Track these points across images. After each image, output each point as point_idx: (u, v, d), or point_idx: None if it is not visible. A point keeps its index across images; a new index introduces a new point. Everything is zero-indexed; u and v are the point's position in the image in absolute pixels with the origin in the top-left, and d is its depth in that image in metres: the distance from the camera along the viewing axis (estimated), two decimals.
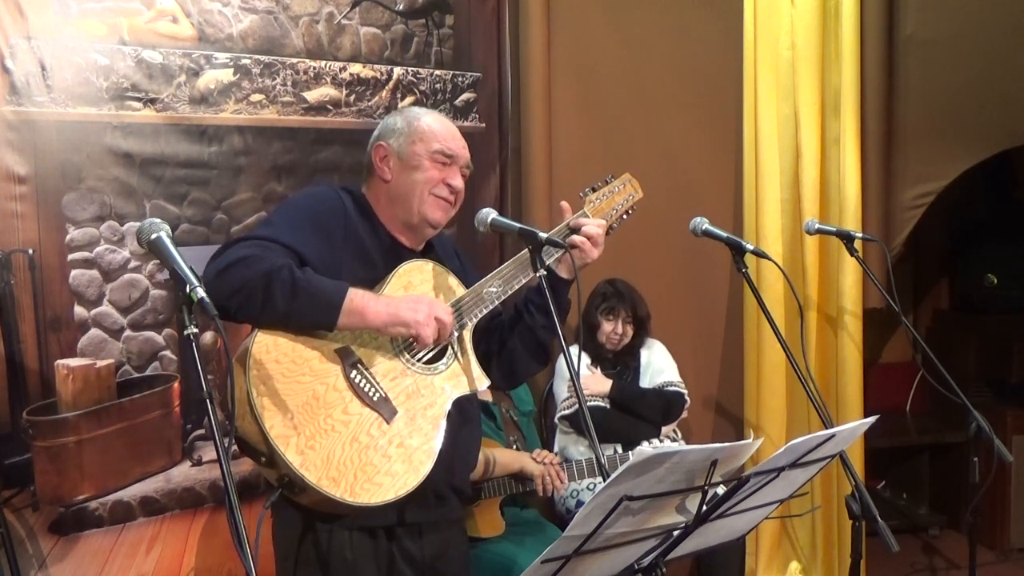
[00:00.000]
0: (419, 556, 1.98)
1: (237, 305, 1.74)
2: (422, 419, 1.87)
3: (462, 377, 1.95)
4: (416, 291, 1.94)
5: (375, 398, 1.83)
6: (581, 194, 2.13)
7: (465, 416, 1.99)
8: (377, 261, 1.94)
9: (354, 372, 1.82)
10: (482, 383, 1.98)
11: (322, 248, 1.86)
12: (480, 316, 1.97)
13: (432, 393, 1.90)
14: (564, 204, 2.09)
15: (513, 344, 2.06)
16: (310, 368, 1.79)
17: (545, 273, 1.87)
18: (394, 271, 1.93)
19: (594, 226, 2.02)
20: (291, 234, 1.83)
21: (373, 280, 1.92)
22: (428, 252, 2.06)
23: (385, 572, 1.94)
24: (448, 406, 1.91)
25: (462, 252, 2.19)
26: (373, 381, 1.84)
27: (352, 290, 1.79)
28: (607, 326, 3.21)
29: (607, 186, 2.17)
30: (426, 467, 1.84)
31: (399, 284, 1.92)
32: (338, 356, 1.82)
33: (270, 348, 1.76)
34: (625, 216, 2.20)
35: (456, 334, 1.95)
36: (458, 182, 1.98)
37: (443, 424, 1.89)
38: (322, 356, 1.81)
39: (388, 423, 1.83)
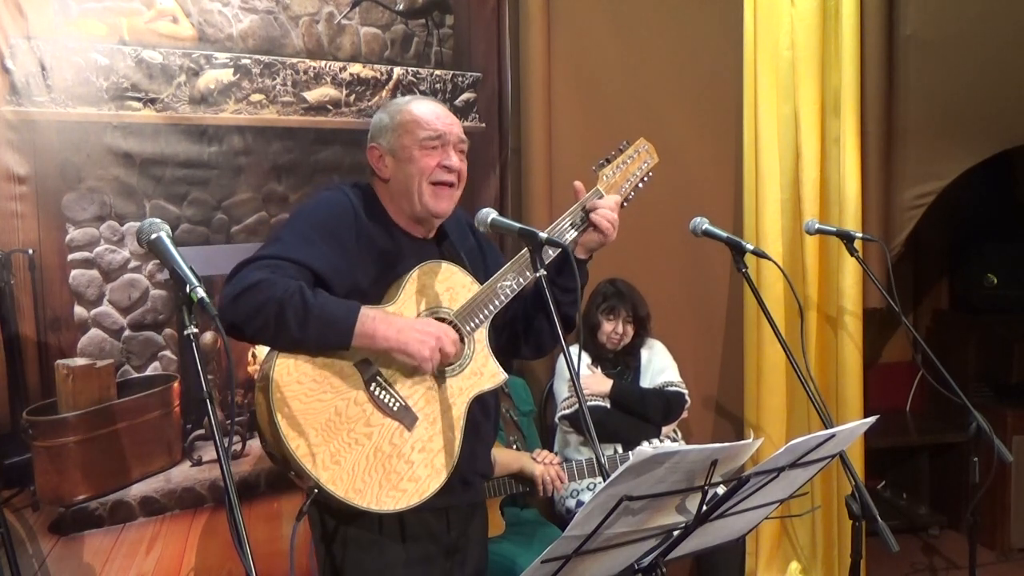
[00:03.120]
0: (445, 537, 2.03)
1: (253, 332, 1.78)
2: (442, 422, 1.91)
3: (479, 376, 1.97)
4: (430, 294, 1.95)
5: (395, 408, 1.87)
6: (594, 168, 2.12)
7: (484, 407, 2.03)
8: (392, 259, 1.95)
9: (373, 384, 1.86)
10: (498, 379, 2.00)
11: (335, 258, 1.86)
12: (495, 312, 1.98)
13: (451, 395, 1.93)
14: (578, 184, 2.09)
15: (539, 323, 2.10)
16: (331, 385, 1.82)
17: (545, 273, 1.87)
18: (408, 275, 1.93)
19: (607, 208, 2.03)
20: (302, 249, 1.84)
21: (390, 279, 1.93)
22: (442, 240, 2.07)
23: (413, 551, 1.98)
24: (466, 406, 1.94)
25: (478, 229, 2.16)
26: (392, 391, 1.87)
27: (363, 312, 1.80)
28: (608, 326, 3.20)
29: (621, 155, 2.15)
30: (448, 468, 1.90)
31: (413, 289, 1.94)
32: (357, 370, 1.85)
33: (291, 369, 1.79)
34: (641, 184, 2.18)
35: (473, 334, 1.97)
36: (454, 161, 1.97)
37: (463, 424, 1.93)
38: (342, 372, 1.84)
39: (410, 430, 1.87)
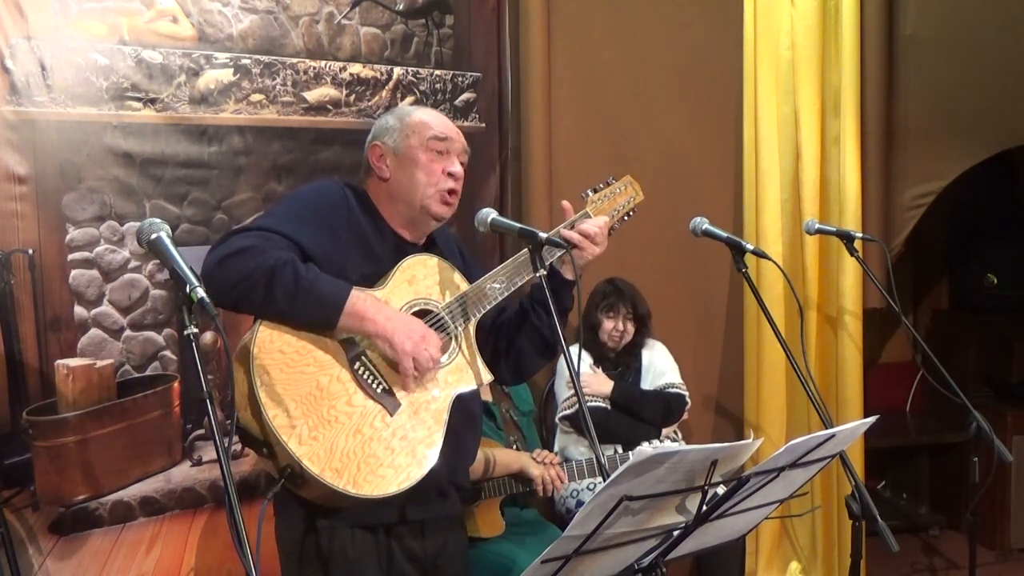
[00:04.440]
0: (421, 553, 1.99)
1: (237, 296, 1.75)
2: (425, 413, 1.88)
3: (465, 372, 1.96)
4: (420, 285, 1.95)
5: (379, 390, 1.84)
6: (583, 195, 2.14)
7: (467, 413, 2.00)
8: (380, 255, 1.95)
9: (358, 364, 1.83)
10: (485, 378, 1.99)
11: (324, 241, 1.86)
12: (483, 312, 1.98)
13: (435, 387, 1.90)
14: (566, 204, 2.10)
15: (520, 343, 2.08)
16: (314, 359, 1.79)
17: (545, 274, 1.88)
18: (398, 265, 1.93)
19: (593, 224, 2.03)
20: (293, 226, 1.83)
21: (377, 274, 1.92)
22: (431, 247, 2.06)
23: (387, 569, 1.95)
24: (451, 401, 1.92)
25: (466, 247, 2.19)
26: (377, 373, 1.85)
27: (355, 293, 1.79)
28: (608, 324, 3.20)
29: (608, 187, 2.18)
30: (429, 461, 1.85)
31: (403, 278, 1.93)
32: (342, 347, 1.83)
33: (274, 338, 1.76)
34: (626, 218, 2.21)
35: (460, 330, 1.96)
36: (457, 168, 1.98)
37: (446, 419, 1.90)
38: (326, 347, 1.81)
39: (391, 416, 1.83)
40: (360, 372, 1.83)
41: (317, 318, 1.78)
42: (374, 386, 1.84)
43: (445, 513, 2.04)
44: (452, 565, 2.07)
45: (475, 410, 2.07)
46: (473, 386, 1.97)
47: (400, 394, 1.86)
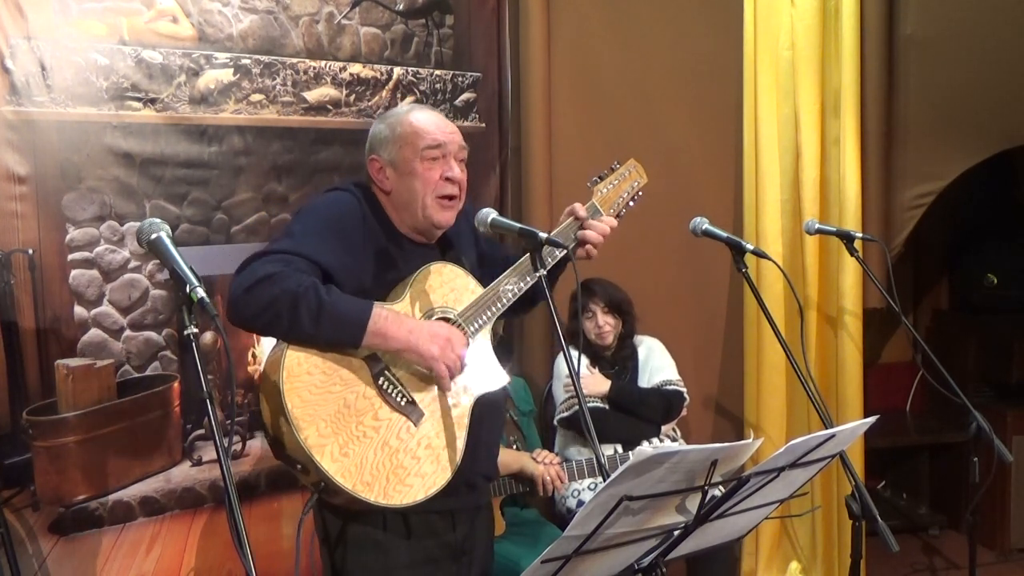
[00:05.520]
0: (451, 539, 2.04)
1: (264, 324, 1.79)
2: (448, 419, 1.93)
3: (483, 376, 1.99)
4: (436, 294, 1.97)
5: (402, 403, 1.87)
6: (589, 183, 2.18)
7: (489, 406, 2.03)
8: (396, 261, 1.97)
9: (381, 379, 1.87)
10: (502, 381, 2.02)
11: (343, 256, 1.88)
12: (498, 315, 2.00)
13: (455, 394, 1.95)
14: (577, 205, 2.13)
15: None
16: (340, 378, 1.83)
17: (545, 273, 1.89)
18: (413, 275, 1.95)
19: (598, 232, 2.08)
20: (313, 245, 1.85)
21: (394, 279, 1.95)
22: (446, 245, 2.08)
23: (418, 553, 1.99)
24: (471, 404, 1.96)
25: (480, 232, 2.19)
26: (400, 386, 1.88)
27: (376, 311, 1.81)
28: (588, 324, 3.18)
29: (613, 173, 2.21)
30: (454, 466, 1.91)
31: (419, 289, 1.95)
32: (366, 364, 1.86)
33: (302, 361, 1.80)
34: (632, 203, 2.24)
35: (478, 334, 1.98)
36: (456, 172, 1.98)
37: (467, 423, 1.94)
38: (351, 365, 1.85)
39: (416, 426, 1.88)
40: (384, 386, 1.86)
41: (342, 340, 1.81)
42: (398, 399, 1.87)
43: (473, 503, 2.10)
44: (480, 549, 2.12)
45: (496, 402, 2.09)
46: (492, 389, 2.01)
47: (423, 404, 1.90)
